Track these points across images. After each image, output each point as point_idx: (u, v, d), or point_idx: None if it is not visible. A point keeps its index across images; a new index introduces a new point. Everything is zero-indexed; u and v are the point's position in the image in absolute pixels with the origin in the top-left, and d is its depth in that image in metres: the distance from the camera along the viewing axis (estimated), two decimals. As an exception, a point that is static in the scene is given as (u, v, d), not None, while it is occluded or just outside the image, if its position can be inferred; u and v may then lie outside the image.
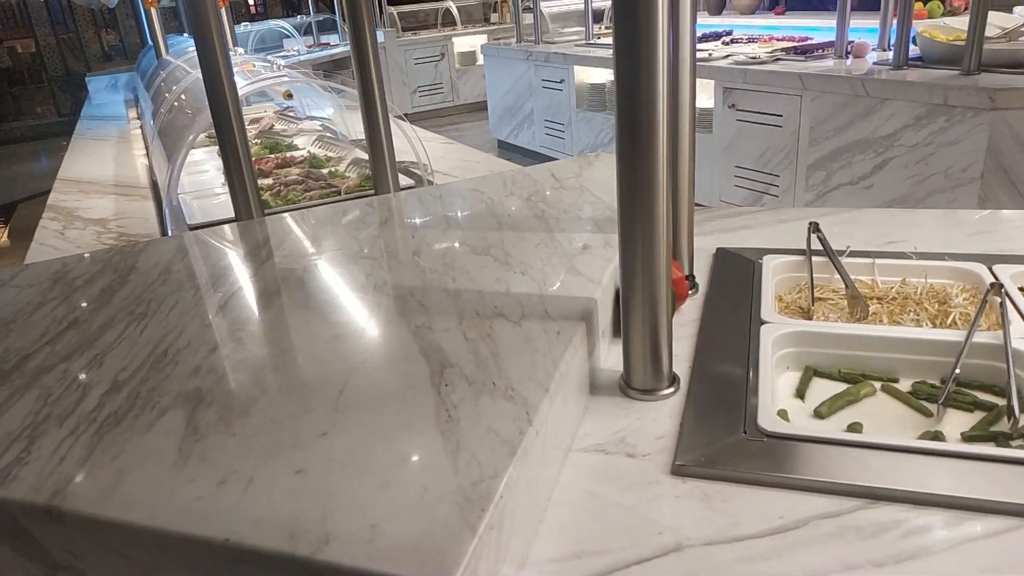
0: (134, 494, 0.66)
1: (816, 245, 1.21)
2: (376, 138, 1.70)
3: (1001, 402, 0.87)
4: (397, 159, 1.78)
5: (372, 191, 1.82)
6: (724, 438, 0.81)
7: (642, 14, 0.74)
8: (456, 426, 0.71)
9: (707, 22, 5.32)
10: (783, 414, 0.88)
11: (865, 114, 3.19)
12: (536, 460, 0.71)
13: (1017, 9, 3.52)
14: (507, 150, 6.37)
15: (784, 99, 3.56)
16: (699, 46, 4.49)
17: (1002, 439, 0.81)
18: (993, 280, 1.07)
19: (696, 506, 0.73)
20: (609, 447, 0.83)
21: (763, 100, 3.69)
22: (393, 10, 8.44)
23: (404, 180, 2.04)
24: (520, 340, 0.88)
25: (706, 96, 4.02)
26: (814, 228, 1.23)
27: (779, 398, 0.93)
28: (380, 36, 7.89)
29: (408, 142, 2.02)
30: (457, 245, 1.23)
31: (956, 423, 0.86)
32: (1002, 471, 0.73)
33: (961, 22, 3.21)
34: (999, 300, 1.00)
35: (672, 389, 0.91)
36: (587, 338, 0.92)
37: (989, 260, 1.15)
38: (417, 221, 1.44)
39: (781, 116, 3.60)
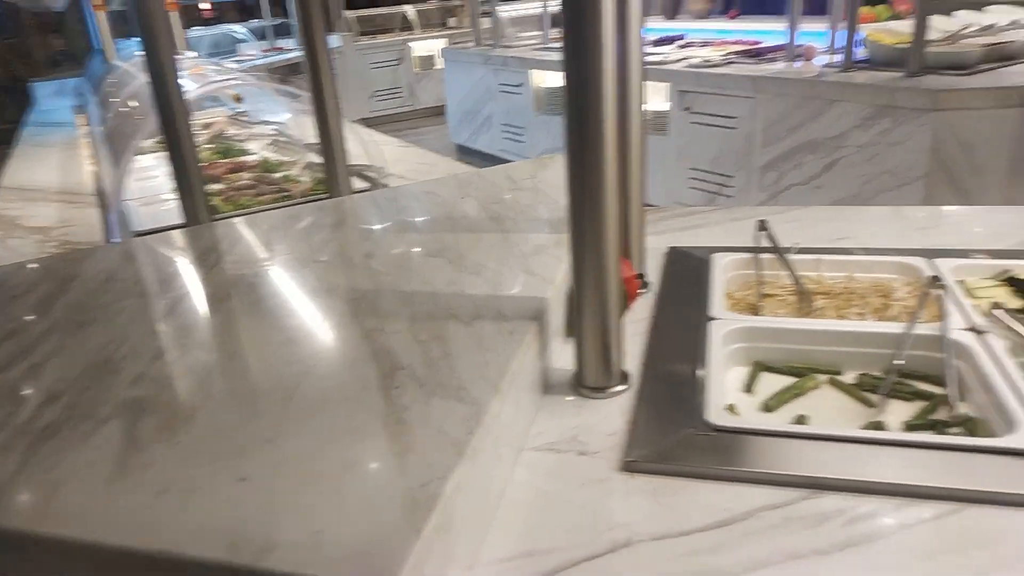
0: (69, 508, 0.64)
1: (766, 243, 1.23)
2: (329, 141, 1.68)
3: (941, 391, 0.89)
4: (352, 163, 1.77)
5: (325, 194, 1.79)
6: (674, 433, 0.81)
7: (588, 18, 0.74)
8: (405, 428, 0.71)
9: (662, 26, 5.38)
10: (732, 408, 0.89)
11: (815, 116, 3.27)
12: (487, 460, 0.71)
13: (958, 13, 3.64)
14: (466, 154, 6.35)
15: (738, 102, 3.62)
16: (654, 50, 4.54)
17: (940, 427, 0.83)
18: (933, 274, 1.10)
19: (645, 501, 0.73)
20: (561, 445, 0.83)
21: (717, 103, 3.74)
22: (351, 14, 8.37)
23: (358, 183, 2.02)
24: (472, 341, 0.88)
25: (662, 99, 4.07)
26: (761, 226, 1.25)
27: (728, 393, 0.94)
28: (336, 40, 7.82)
29: (361, 146, 2.00)
30: (411, 248, 1.22)
31: (899, 413, 0.88)
32: (941, 457, 0.75)
33: (907, 25, 3.30)
34: (939, 293, 1.03)
35: (623, 386, 0.92)
36: (539, 337, 0.92)
37: (931, 255, 1.18)
38: (371, 224, 1.43)
39: (735, 118, 3.66)
